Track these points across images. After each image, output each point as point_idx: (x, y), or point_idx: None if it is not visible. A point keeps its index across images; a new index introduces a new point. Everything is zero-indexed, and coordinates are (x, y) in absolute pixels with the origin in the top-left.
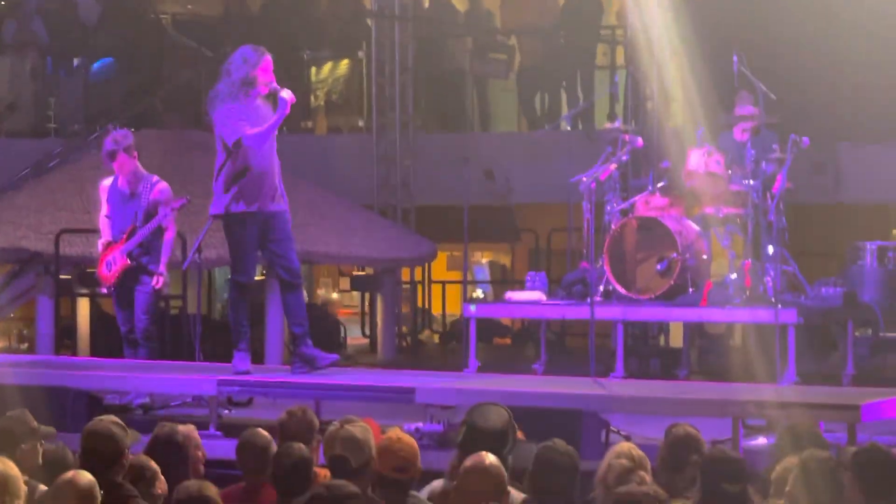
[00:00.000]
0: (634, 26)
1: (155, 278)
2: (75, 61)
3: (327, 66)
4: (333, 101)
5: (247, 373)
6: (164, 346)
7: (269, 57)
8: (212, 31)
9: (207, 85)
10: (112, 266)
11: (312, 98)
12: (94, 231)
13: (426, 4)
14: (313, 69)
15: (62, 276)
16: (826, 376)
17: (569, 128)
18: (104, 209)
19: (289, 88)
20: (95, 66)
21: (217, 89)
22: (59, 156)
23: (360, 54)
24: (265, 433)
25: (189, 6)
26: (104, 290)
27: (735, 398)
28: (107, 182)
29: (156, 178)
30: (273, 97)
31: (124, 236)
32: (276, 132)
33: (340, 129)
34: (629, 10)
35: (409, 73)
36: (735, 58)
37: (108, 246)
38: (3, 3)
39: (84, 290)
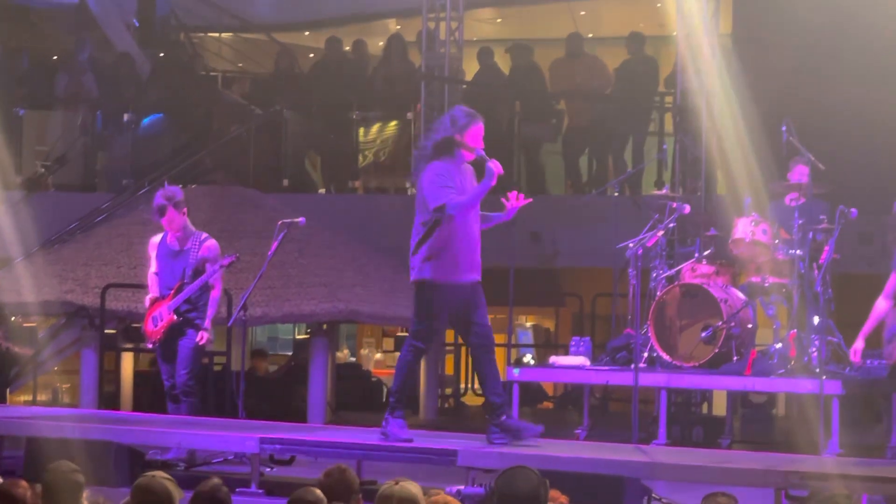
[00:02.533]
0: (686, 93)
1: (199, 334)
2: (125, 116)
3: (376, 127)
4: (381, 161)
5: (409, 441)
6: (206, 402)
7: (480, 123)
8: (261, 89)
9: (257, 142)
10: (158, 322)
11: (360, 158)
12: (141, 286)
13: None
14: (361, 129)
15: (107, 331)
16: (869, 448)
17: (616, 193)
18: (153, 266)
19: (337, 148)
20: (145, 121)
21: (421, 147)
22: (106, 210)
23: (409, 115)
24: (317, 492)
25: (240, 64)
26: (150, 346)
27: (777, 468)
28: (156, 239)
29: (205, 235)
30: (480, 165)
31: (171, 292)
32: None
33: (387, 190)
34: (682, 76)
35: None
36: (784, 127)
37: (154, 302)
38: (55, 57)
39: (128, 345)
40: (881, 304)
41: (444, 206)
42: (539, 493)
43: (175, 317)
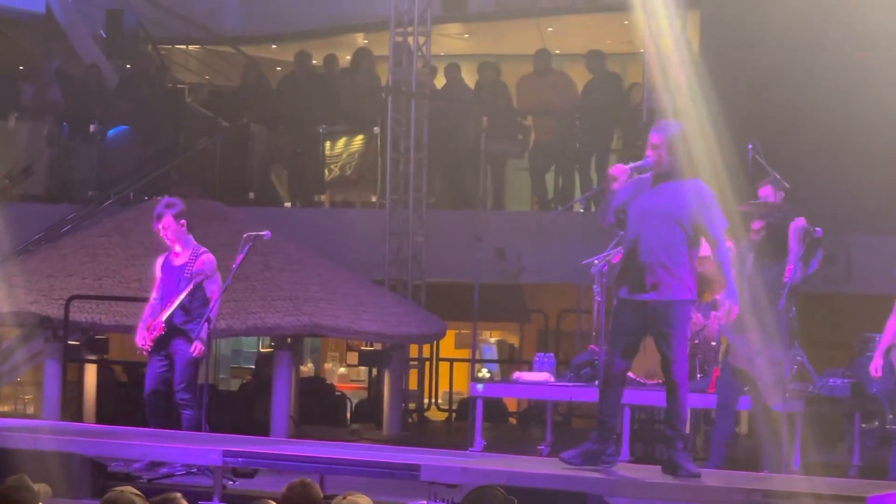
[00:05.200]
0: (653, 110)
1: (194, 345)
2: (91, 127)
3: (342, 141)
4: (347, 175)
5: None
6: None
7: None
8: (229, 102)
9: (223, 155)
10: (153, 330)
11: (326, 172)
12: (105, 298)
13: (443, 82)
14: (328, 143)
15: (71, 342)
16: (832, 467)
17: (582, 210)
18: (154, 291)
19: (303, 161)
20: (111, 132)
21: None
22: (72, 221)
23: (376, 130)
24: None
25: (206, 76)
26: (146, 351)
27: (740, 486)
28: (160, 258)
29: (203, 249)
30: None
31: (168, 305)
32: None
33: (353, 204)
34: (650, 93)
35: (423, 149)
36: (750, 146)
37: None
38: (21, 67)
39: (92, 357)
40: (893, 324)
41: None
42: None
43: (163, 326)
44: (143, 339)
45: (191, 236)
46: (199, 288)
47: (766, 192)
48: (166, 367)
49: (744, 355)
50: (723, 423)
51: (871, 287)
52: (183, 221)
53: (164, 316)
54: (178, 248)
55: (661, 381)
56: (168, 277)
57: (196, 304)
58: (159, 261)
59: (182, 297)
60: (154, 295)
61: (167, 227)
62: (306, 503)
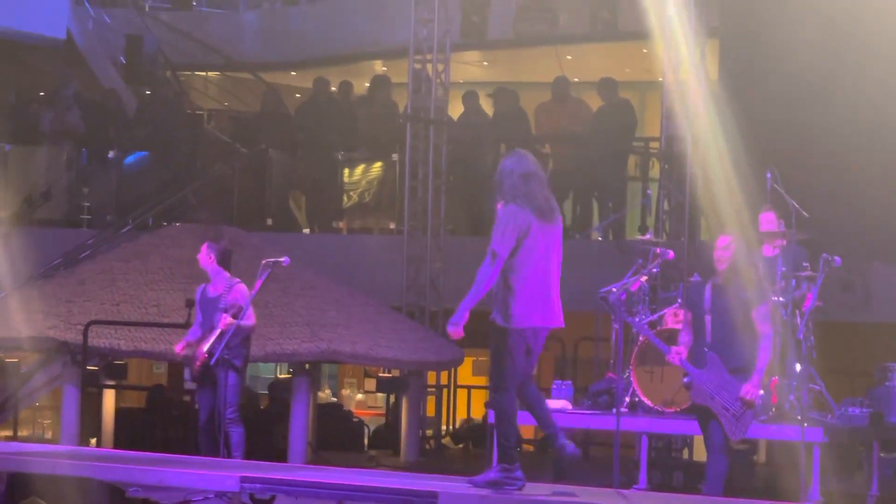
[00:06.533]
0: (672, 138)
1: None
2: (110, 153)
3: (360, 168)
4: (365, 202)
5: None
6: (188, 440)
7: None
8: (247, 128)
9: (241, 180)
10: (195, 361)
11: (345, 198)
12: (122, 323)
13: (461, 110)
14: (346, 170)
15: (89, 367)
16: (850, 497)
17: (600, 237)
18: (196, 316)
19: (321, 188)
20: (130, 158)
21: None
22: (90, 247)
23: (394, 157)
24: None
25: (225, 102)
26: (192, 380)
27: None
28: (199, 289)
29: (236, 280)
30: None
31: (206, 334)
32: None
33: (371, 230)
34: (668, 121)
35: (441, 176)
36: (769, 174)
37: (189, 344)
38: (41, 93)
39: (110, 382)
40: None
41: None
42: None
43: (208, 356)
44: (181, 348)
45: (223, 269)
46: (233, 317)
47: (769, 218)
48: (214, 396)
49: (705, 390)
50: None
51: (890, 316)
52: (212, 256)
53: (206, 346)
54: (212, 278)
55: (678, 409)
56: (206, 309)
57: (235, 336)
58: (198, 290)
59: (219, 328)
60: (197, 320)
61: (202, 258)
62: None
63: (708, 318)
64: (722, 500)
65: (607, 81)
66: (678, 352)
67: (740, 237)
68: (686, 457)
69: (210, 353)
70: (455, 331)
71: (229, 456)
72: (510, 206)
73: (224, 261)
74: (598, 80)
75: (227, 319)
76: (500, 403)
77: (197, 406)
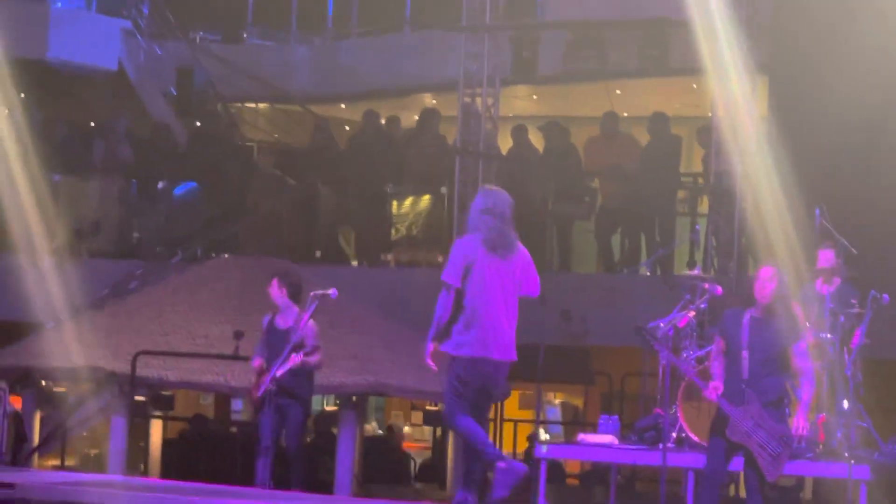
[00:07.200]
0: (721, 174)
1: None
2: (159, 185)
3: (409, 201)
4: (414, 235)
5: None
6: (233, 471)
7: None
8: (297, 161)
9: (290, 213)
10: (261, 388)
11: (393, 231)
12: (171, 354)
13: (510, 143)
14: (395, 203)
15: (137, 398)
16: None
17: (648, 273)
18: (260, 344)
19: (370, 221)
20: (179, 189)
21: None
22: (139, 277)
23: (443, 190)
24: None
25: (275, 135)
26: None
27: None
28: (266, 318)
29: (307, 316)
30: None
31: (272, 365)
32: None
33: (419, 264)
34: (718, 157)
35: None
36: (818, 211)
37: (261, 370)
38: (92, 124)
39: (158, 413)
40: None
41: None
42: None
43: (273, 385)
44: (256, 395)
45: (293, 304)
46: (300, 348)
47: (828, 256)
48: (279, 424)
49: (743, 429)
50: (707, 495)
51: None
52: (284, 290)
53: (273, 374)
54: (284, 313)
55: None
56: (271, 338)
57: (301, 372)
58: (265, 319)
59: (289, 364)
60: (259, 349)
61: (273, 292)
62: None
63: (745, 353)
64: None
65: (659, 116)
66: (715, 387)
67: (783, 270)
68: (732, 493)
69: (277, 383)
70: (428, 364)
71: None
72: (463, 237)
73: (294, 295)
74: (650, 115)
75: (299, 357)
76: (455, 430)
77: (259, 432)
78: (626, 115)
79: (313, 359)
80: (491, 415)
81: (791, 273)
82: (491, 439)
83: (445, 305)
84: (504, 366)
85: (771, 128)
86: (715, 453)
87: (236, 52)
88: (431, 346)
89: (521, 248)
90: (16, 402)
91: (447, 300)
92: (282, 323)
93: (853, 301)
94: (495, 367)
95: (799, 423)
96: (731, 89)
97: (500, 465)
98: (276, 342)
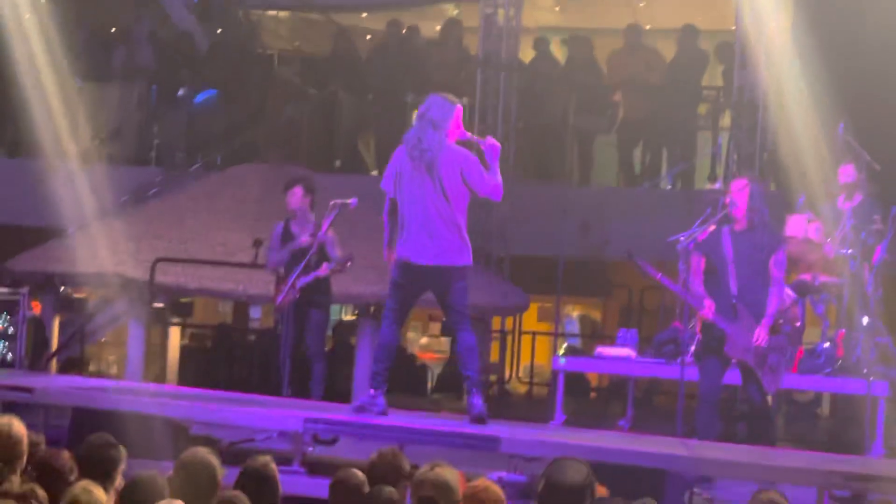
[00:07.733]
0: (743, 88)
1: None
2: (180, 91)
3: None
4: None
5: None
6: (251, 379)
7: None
8: (317, 70)
9: (310, 122)
10: (284, 294)
11: None
12: (189, 261)
13: (532, 55)
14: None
15: (155, 305)
16: None
17: (669, 186)
18: (277, 252)
19: (391, 130)
20: (199, 97)
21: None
22: (159, 185)
23: (464, 101)
24: (360, 474)
25: (296, 43)
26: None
27: (820, 468)
28: (279, 226)
29: (326, 223)
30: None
31: (294, 273)
32: None
33: None
34: (740, 71)
35: (511, 122)
36: (841, 126)
37: (281, 280)
38: (113, 29)
39: (176, 320)
40: None
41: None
42: (589, 486)
43: (295, 292)
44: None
45: (310, 213)
46: (324, 258)
47: (848, 171)
48: (300, 331)
49: (741, 344)
50: (706, 414)
51: None
52: (307, 201)
53: (292, 283)
54: (300, 221)
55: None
56: (287, 246)
57: (323, 278)
58: (278, 226)
59: (321, 270)
60: (276, 256)
61: (293, 198)
62: (394, 471)
63: (731, 267)
64: (784, 452)
65: (689, 29)
66: (710, 305)
67: (756, 180)
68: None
69: (299, 290)
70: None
71: (309, 390)
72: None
73: (313, 204)
74: (681, 27)
75: (326, 267)
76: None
77: (280, 339)
78: (649, 27)
79: (342, 266)
80: (509, 326)
81: (818, 187)
82: (508, 353)
83: (385, 211)
84: (438, 270)
85: (795, 40)
86: (709, 372)
87: None
88: (386, 253)
89: (453, 150)
90: (35, 307)
91: (386, 206)
92: (298, 230)
93: (875, 217)
94: (425, 273)
95: (760, 334)
96: (756, 1)
97: (363, 398)
98: (292, 249)
